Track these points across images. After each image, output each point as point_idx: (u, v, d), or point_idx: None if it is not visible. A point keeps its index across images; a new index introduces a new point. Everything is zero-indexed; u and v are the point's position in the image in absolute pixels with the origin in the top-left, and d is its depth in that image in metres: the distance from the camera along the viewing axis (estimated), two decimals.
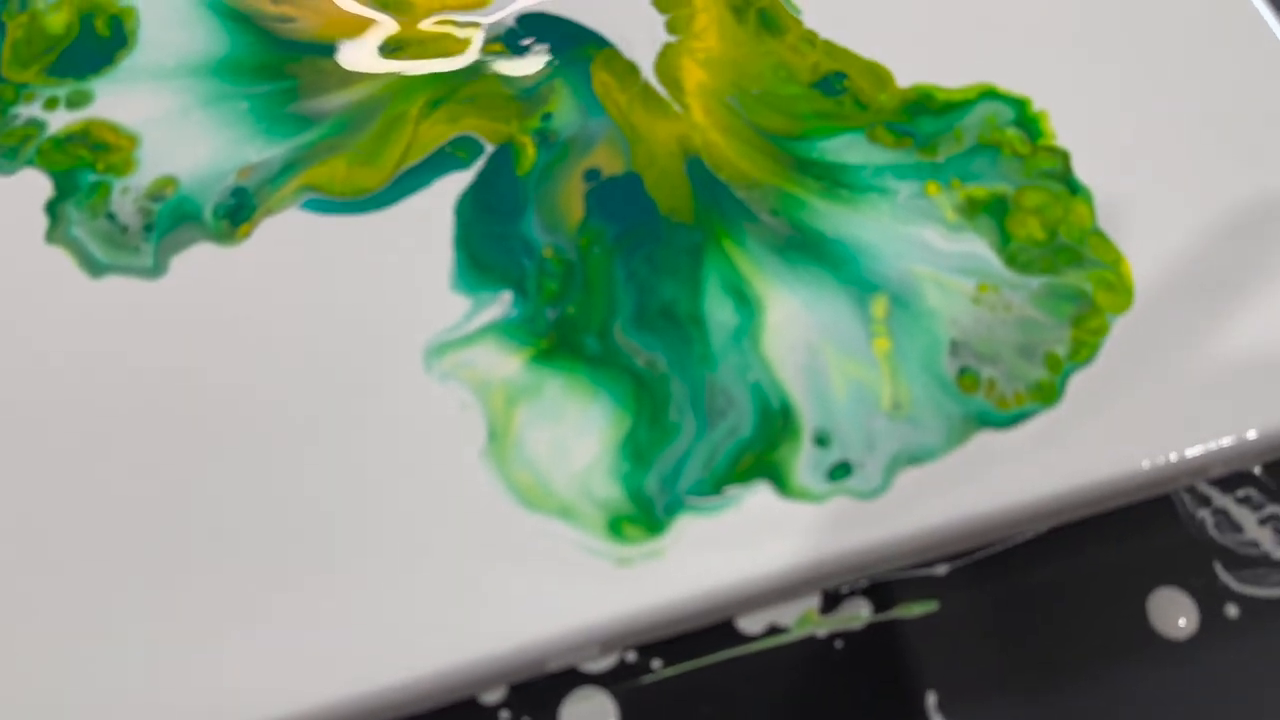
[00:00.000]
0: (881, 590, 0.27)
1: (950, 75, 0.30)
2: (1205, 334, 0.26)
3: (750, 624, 0.27)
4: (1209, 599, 0.27)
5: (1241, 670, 0.26)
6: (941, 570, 0.27)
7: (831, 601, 0.27)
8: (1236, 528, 0.28)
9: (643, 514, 0.24)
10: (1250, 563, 0.27)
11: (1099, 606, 0.27)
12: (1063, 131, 0.29)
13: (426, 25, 0.31)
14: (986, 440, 0.25)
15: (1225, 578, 0.27)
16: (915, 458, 0.25)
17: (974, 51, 0.30)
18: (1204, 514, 0.28)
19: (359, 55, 0.30)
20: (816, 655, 0.26)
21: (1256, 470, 0.29)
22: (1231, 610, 0.27)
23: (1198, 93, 0.29)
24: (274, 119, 0.29)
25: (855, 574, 0.26)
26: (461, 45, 0.30)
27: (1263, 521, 0.28)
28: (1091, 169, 0.28)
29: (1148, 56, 0.30)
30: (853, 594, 0.27)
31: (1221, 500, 0.28)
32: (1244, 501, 0.28)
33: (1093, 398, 0.25)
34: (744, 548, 0.24)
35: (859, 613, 0.27)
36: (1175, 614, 0.27)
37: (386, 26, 0.31)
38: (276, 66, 0.30)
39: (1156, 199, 0.28)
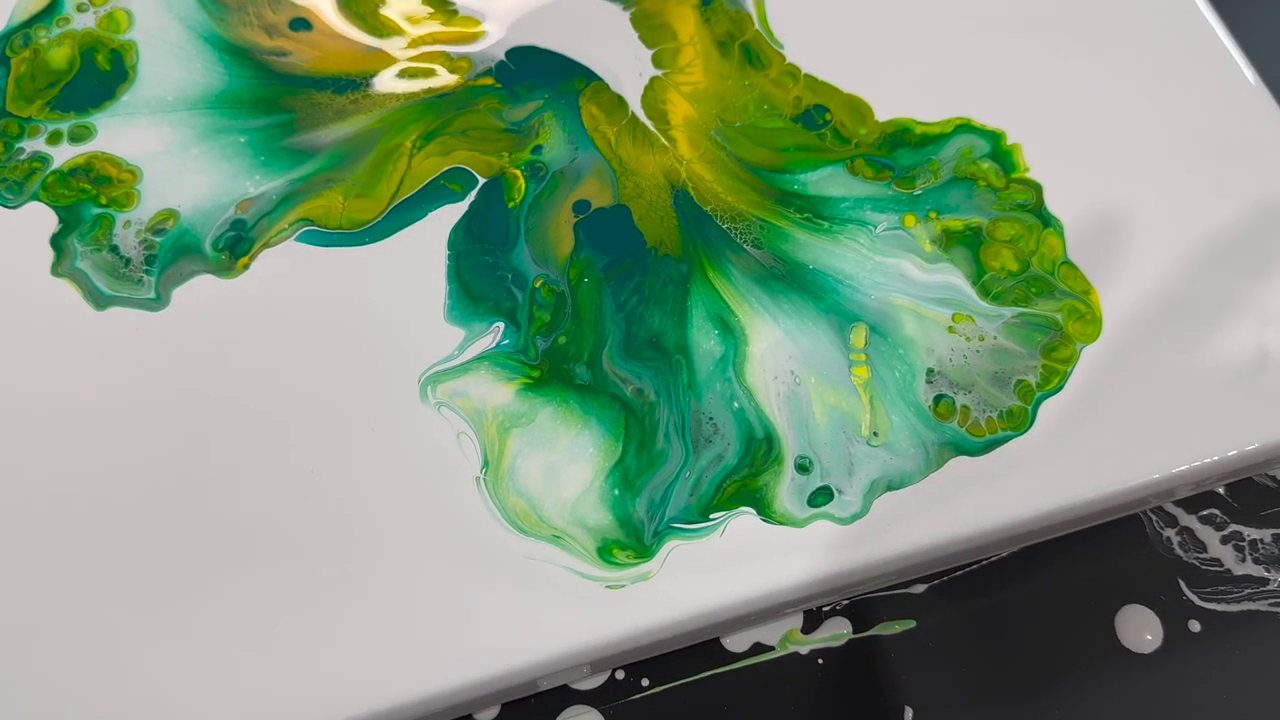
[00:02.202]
0: (861, 609, 0.28)
1: (928, 108, 0.31)
2: (1171, 363, 0.27)
3: (735, 643, 0.28)
4: (1174, 615, 0.28)
5: (1203, 682, 0.27)
6: (919, 589, 0.28)
7: (813, 620, 0.28)
8: (1200, 546, 0.29)
9: (632, 539, 0.25)
10: (1212, 580, 0.28)
11: (1070, 622, 0.28)
12: (1036, 164, 0.30)
13: (419, 59, 0.31)
14: (961, 466, 0.26)
15: (1189, 594, 0.28)
16: (893, 483, 0.26)
17: (951, 85, 0.31)
18: (1170, 533, 0.29)
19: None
20: (799, 672, 0.27)
21: (1220, 490, 0.30)
22: (1194, 625, 0.28)
23: (1166, 126, 0.30)
24: (271, 152, 0.30)
25: (836, 595, 0.27)
26: (454, 79, 0.31)
27: (1224, 540, 0.29)
28: (1063, 201, 0.29)
29: (1118, 91, 0.31)
30: (834, 613, 0.28)
31: (1186, 519, 0.29)
32: (1207, 521, 0.29)
33: (1062, 425, 0.27)
34: (729, 571, 0.25)
35: (840, 631, 0.28)
36: (1142, 629, 0.28)
37: (380, 59, 0.31)
38: (273, 100, 0.31)
39: (1126, 230, 0.29)
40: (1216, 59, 0.32)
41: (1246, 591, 0.28)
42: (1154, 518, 0.29)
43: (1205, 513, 0.29)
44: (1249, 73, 0.32)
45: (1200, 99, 0.31)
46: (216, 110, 0.31)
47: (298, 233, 0.29)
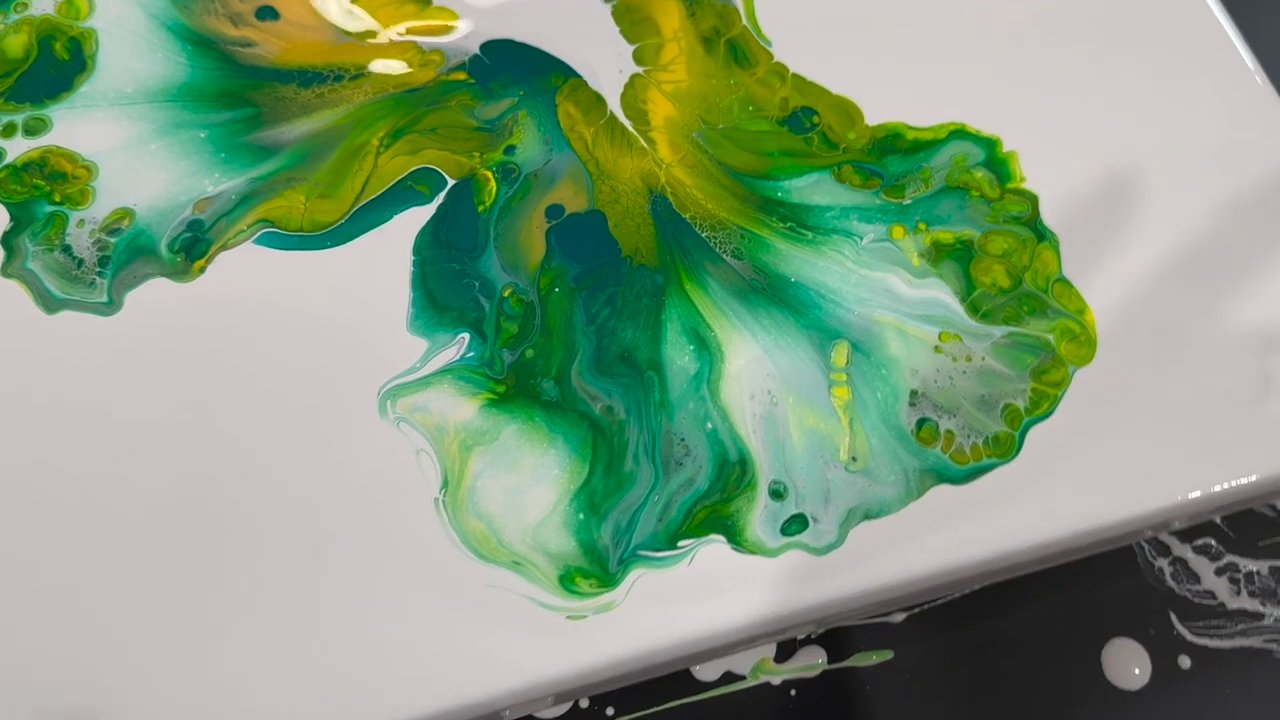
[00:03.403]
0: (837, 638, 0.27)
1: (921, 113, 0.29)
2: (1167, 389, 0.26)
3: (705, 671, 0.27)
4: (1163, 649, 0.27)
5: None
6: (898, 618, 0.27)
7: (787, 649, 0.27)
8: (1194, 578, 0.28)
9: (595, 567, 0.24)
10: (1205, 613, 0.27)
11: (1055, 655, 0.27)
12: (1033, 174, 0.28)
13: (390, 51, 0.30)
14: (942, 495, 0.25)
15: (1180, 628, 0.27)
16: (871, 512, 0.25)
17: (946, 88, 0.30)
18: (1163, 563, 0.28)
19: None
20: (771, 704, 0.26)
21: (1217, 519, 0.28)
22: (1184, 661, 0.27)
23: (1172, 137, 0.29)
24: (232, 149, 0.29)
25: (807, 628, 0.26)
26: (425, 73, 0.30)
27: (1219, 571, 0.28)
28: (1060, 214, 0.28)
29: (1122, 98, 0.29)
30: (808, 641, 0.27)
31: (1180, 549, 0.28)
32: (1202, 551, 0.28)
33: (1051, 453, 0.25)
34: (695, 603, 0.24)
35: (815, 661, 0.27)
36: (1130, 664, 0.27)
37: (349, 51, 0.30)
38: (236, 93, 0.29)
39: (1125, 246, 0.28)
40: (1229, 65, 0.30)
41: (1240, 627, 0.27)
42: (1146, 547, 0.28)
43: (1200, 543, 0.28)
44: (1261, 79, 0.30)
45: (1209, 109, 0.29)
46: (177, 103, 0.29)
47: (257, 234, 0.27)
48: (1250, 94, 0.30)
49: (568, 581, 0.24)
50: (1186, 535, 0.28)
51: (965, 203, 0.28)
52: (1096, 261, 0.27)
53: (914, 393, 0.26)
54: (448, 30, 0.30)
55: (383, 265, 0.27)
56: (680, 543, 0.24)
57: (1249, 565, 0.28)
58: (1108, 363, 0.26)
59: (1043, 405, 0.26)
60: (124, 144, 0.29)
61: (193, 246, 0.27)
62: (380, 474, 0.25)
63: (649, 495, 0.25)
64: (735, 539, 0.24)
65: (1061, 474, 0.25)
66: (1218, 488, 0.25)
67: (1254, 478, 0.25)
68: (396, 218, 0.28)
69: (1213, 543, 0.28)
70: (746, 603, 0.24)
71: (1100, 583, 0.28)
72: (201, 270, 0.27)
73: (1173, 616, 0.27)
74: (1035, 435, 0.25)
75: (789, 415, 0.26)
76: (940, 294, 0.27)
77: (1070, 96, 0.29)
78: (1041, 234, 0.28)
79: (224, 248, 0.27)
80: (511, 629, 0.23)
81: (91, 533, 0.24)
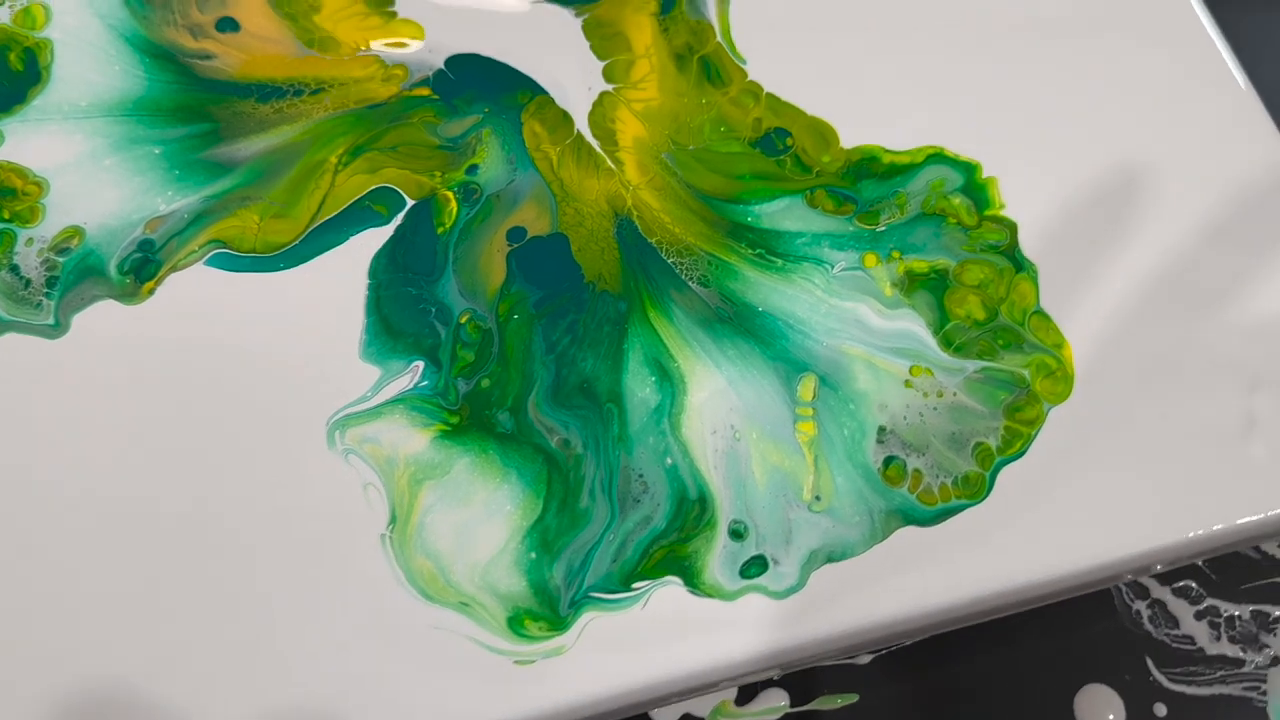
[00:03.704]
0: (801, 679, 0.26)
1: (899, 135, 0.28)
2: (1147, 428, 0.25)
3: (663, 715, 0.26)
4: (1138, 696, 0.26)
5: None
6: (864, 659, 0.26)
7: (749, 691, 0.26)
8: (1172, 621, 0.27)
9: (546, 609, 0.23)
10: (1183, 659, 0.26)
11: (1027, 700, 0.26)
12: (1013, 201, 0.27)
13: (352, 65, 0.29)
14: (908, 537, 0.24)
15: (1157, 674, 0.26)
16: (834, 554, 0.24)
17: (925, 110, 0.29)
18: (1140, 606, 0.27)
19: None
20: None
21: (1198, 560, 0.27)
22: (1160, 709, 0.26)
23: (1161, 165, 0.28)
24: (187, 165, 0.28)
25: (766, 673, 0.25)
26: (388, 88, 0.29)
27: (1199, 615, 0.27)
28: (1039, 243, 0.27)
29: (1110, 124, 0.28)
30: (771, 684, 0.26)
31: (1159, 592, 0.27)
32: (1181, 594, 0.27)
33: (1022, 495, 0.24)
34: (649, 648, 0.23)
35: (777, 704, 0.26)
36: (1103, 711, 0.26)
37: (310, 64, 0.29)
38: (193, 108, 0.29)
39: (1107, 278, 0.27)
40: (1221, 90, 0.29)
41: (1219, 673, 0.26)
42: (1123, 589, 0.27)
43: (1180, 585, 0.27)
44: (1254, 102, 0.29)
45: (1199, 136, 0.28)
46: (133, 118, 0.28)
47: (208, 255, 0.27)
48: (1243, 119, 0.29)
49: (516, 624, 0.23)
50: (1166, 577, 0.27)
51: (941, 230, 0.27)
52: (1076, 293, 0.26)
53: (882, 429, 0.25)
54: (413, 44, 0.30)
55: (336, 289, 0.26)
56: (635, 584, 0.23)
57: (1230, 609, 0.27)
58: (1084, 400, 0.25)
59: (1015, 444, 0.25)
60: (77, 159, 0.28)
61: (142, 268, 0.26)
62: (326, 508, 0.24)
63: (604, 534, 0.24)
64: (692, 581, 0.24)
65: (1033, 517, 0.24)
66: (1198, 533, 0.24)
67: (1236, 522, 0.24)
68: (353, 239, 0.27)
69: (1193, 585, 0.27)
70: (701, 649, 0.23)
71: (1075, 625, 0.27)
72: (150, 292, 0.26)
73: (1149, 662, 0.26)
74: (1007, 475, 0.25)
75: (752, 451, 0.25)
76: (912, 326, 0.26)
77: (1054, 121, 0.28)
78: (1020, 264, 0.27)
79: (174, 269, 0.26)
80: (456, 674, 0.23)
81: (26, 561, 0.23)
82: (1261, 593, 0.27)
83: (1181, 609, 0.27)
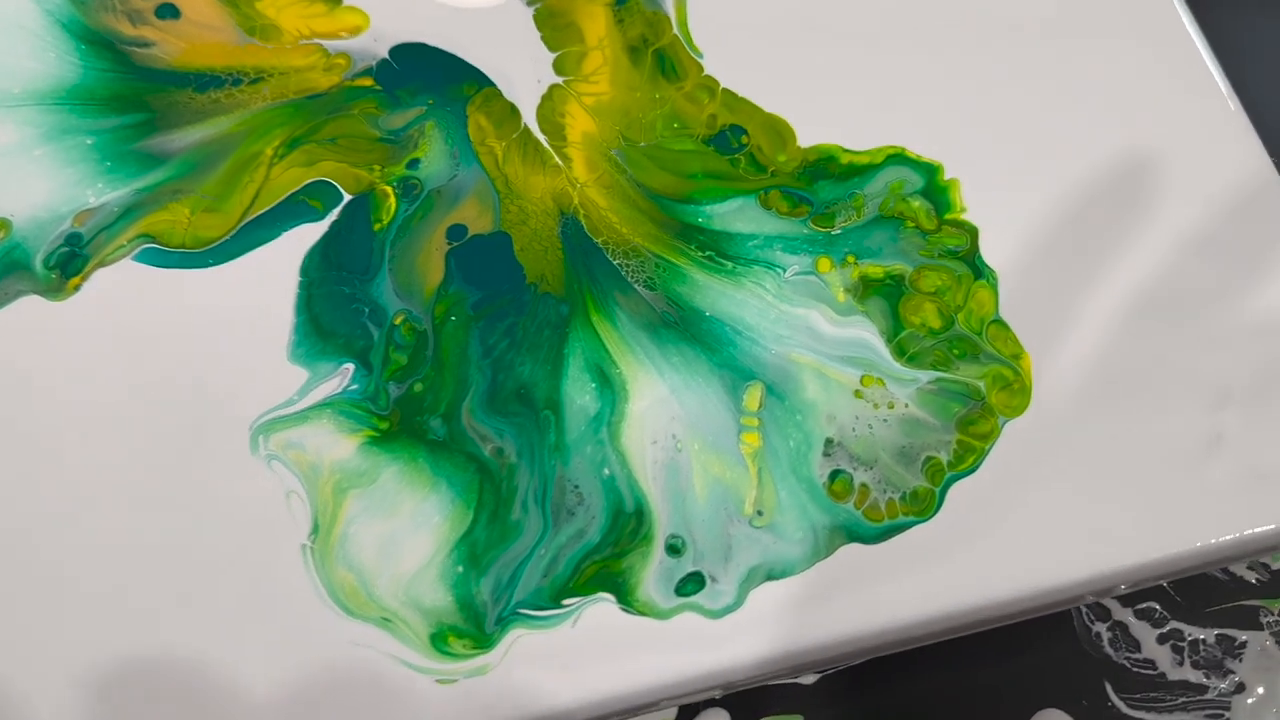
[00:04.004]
0: (743, 698, 0.25)
1: (859, 134, 0.27)
2: (1107, 445, 0.24)
3: None
4: None
5: None
6: (810, 679, 0.25)
7: (690, 710, 0.25)
8: (1133, 644, 0.26)
9: (471, 626, 0.22)
10: (1144, 684, 0.25)
11: None
12: (975, 204, 0.26)
13: (294, 54, 0.28)
14: (852, 555, 0.23)
15: (1115, 700, 0.25)
16: (774, 572, 0.23)
17: (887, 108, 0.27)
18: (1101, 628, 0.26)
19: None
20: None
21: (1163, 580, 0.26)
22: None
23: (1133, 168, 0.27)
24: (119, 157, 0.27)
25: (701, 695, 0.24)
26: (329, 77, 0.28)
27: (1162, 639, 0.26)
28: (1001, 248, 0.26)
29: (1081, 125, 0.27)
30: (712, 703, 0.25)
31: (1121, 613, 0.26)
32: (1144, 615, 0.26)
33: (973, 512, 0.23)
34: (578, 668, 0.22)
35: None
36: None
37: (251, 53, 0.28)
38: (129, 97, 0.28)
39: (1070, 286, 0.25)
40: (1200, 96, 0.28)
41: (1180, 699, 0.25)
42: (1083, 610, 0.26)
43: (1143, 606, 0.26)
44: (1233, 109, 0.28)
45: (1173, 144, 0.27)
46: (66, 106, 0.27)
47: (137, 250, 0.26)
48: (1219, 124, 0.27)
49: (440, 641, 0.22)
50: (1128, 598, 0.26)
51: (899, 234, 0.26)
52: (1037, 302, 0.25)
53: (829, 441, 0.24)
54: (357, 31, 0.28)
55: (266, 287, 0.25)
56: (565, 601, 0.23)
57: (1195, 633, 0.26)
58: (1042, 414, 0.24)
59: (968, 459, 0.24)
60: (6, 149, 0.27)
61: (69, 262, 0.25)
62: (246, 515, 0.23)
63: (535, 547, 0.23)
64: (625, 598, 0.23)
65: (984, 536, 0.23)
66: (1158, 556, 0.23)
67: (1199, 545, 0.23)
68: (285, 235, 0.26)
69: (1157, 607, 0.26)
70: (632, 670, 0.22)
71: (1030, 646, 0.26)
72: (76, 288, 0.25)
73: (1108, 686, 0.25)
74: (957, 492, 0.23)
75: (693, 463, 0.24)
76: (865, 334, 0.25)
77: (1020, 123, 0.27)
78: (979, 270, 0.26)
79: (101, 264, 0.25)
80: (376, 692, 0.22)
81: None
82: (1228, 616, 0.26)
83: (1144, 632, 0.26)
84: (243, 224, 0.26)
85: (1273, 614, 0.26)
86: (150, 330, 0.25)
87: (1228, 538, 0.23)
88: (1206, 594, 0.26)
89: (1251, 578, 0.26)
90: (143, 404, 0.24)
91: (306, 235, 0.26)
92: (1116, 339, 0.25)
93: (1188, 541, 0.23)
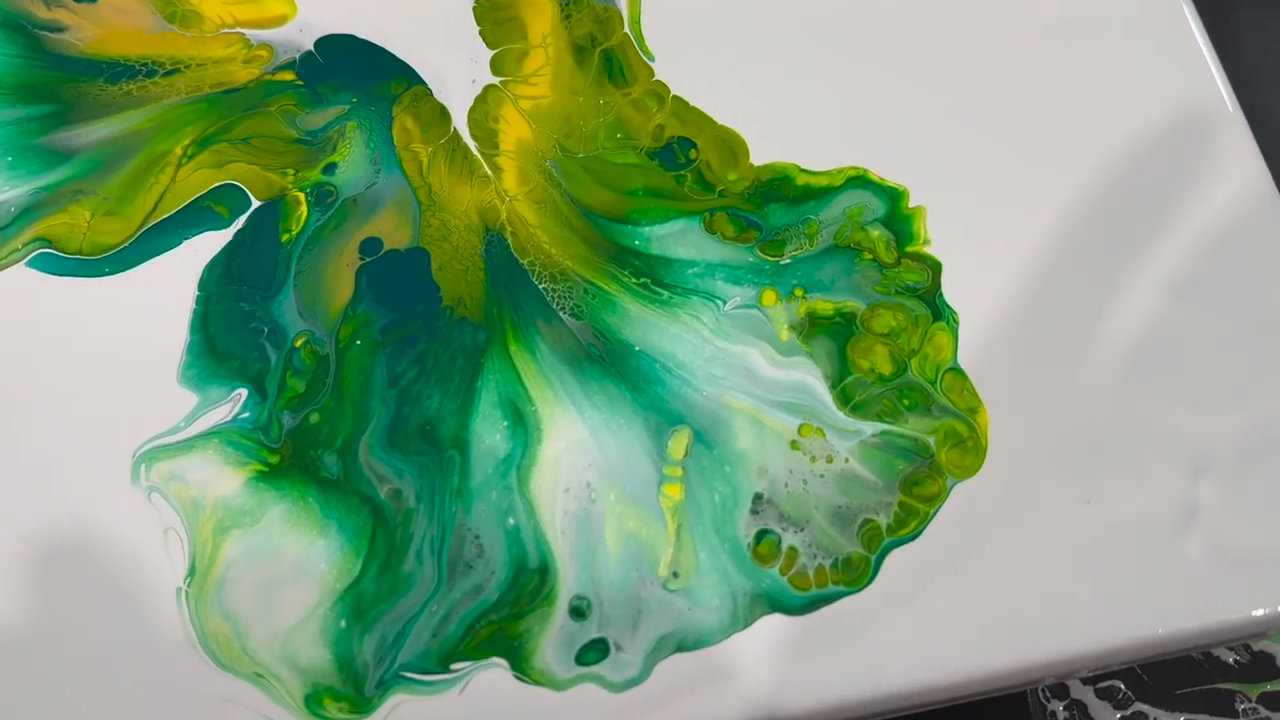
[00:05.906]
0: None
1: (819, 153, 0.25)
2: (1068, 511, 0.22)
3: None
4: None
5: None
6: None
7: None
8: None
9: (349, 688, 0.20)
10: None
11: None
12: (939, 236, 0.24)
13: (213, 44, 0.26)
14: (773, 626, 0.21)
15: None
16: (686, 642, 0.21)
17: (851, 124, 0.25)
18: (1057, 707, 0.24)
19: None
20: None
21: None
22: None
23: (1110, 205, 0.24)
24: (21, 151, 0.25)
25: None
26: (248, 71, 0.26)
27: None
28: (964, 287, 0.23)
29: (1053, 156, 0.25)
30: None
31: (1080, 692, 0.24)
32: (1106, 695, 0.24)
33: (911, 584, 0.21)
34: None
35: None
36: None
37: (168, 42, 0.26)
38: (37, 87, 0.26)
39: (1036, 333, 0.23)
40: (1201, 105, 0.25)
41: None
42: (1039, 686, 0.24)
43: (1105, 685, 0.24)
44: (1240, 125, 0.25)
45: (1162, 170, 0.24)
46: None
47: (31, 255, 0.24)
48: (1221, 138, 0.25)
49: (314, 703, 0.20)
50: (1090, 676, 0.24)
51: (854, 267, 0.24)
52: (1001, 349, 0.23)
53: (759, 497, 0.22)
54: (282, 21, 0.26)
55: (161, 301, 0.23)
56: (454, 665, 0.21)
57: (1162, 717, 0.23)
58: (996, 476, 0.22)
59: (910, 524, 0.21)
60: None
61: None
62: (121, 552, 0.21)
63: (426, 603, 0.21)
64: (520, 665, 0.21)
65: (921, 611, 0.21)
66: (1120, 641, 0.21)
67: (1160, 632, 0.21)
68: (186, 243, 0.24)
69: (1121, 686, 0.24)
70: None
71: None
72: None
73: None
74: (895, 560, 0.21)
75: (607, 515, 0.22)
76: (807, 377, 0.23)
77: (995, 146, 0.25)
78: (939, 311, 0.23)
79: None
80: None
81: None
82: (1200, 700, 0.23)
83: (1104, 713, 0.23)
84: (143, 230, 0.24)
85: (1250, 701, 0.23)
86: (36, 344, 0.23)
87: (1196, 625, 0.21)
88: (1178, 674, 0.24)
89: (1229, 658, 0.24)
90: (22, 422, 0.22)
91: (209, 244, 0.24)
92: (1087, 395, 0.22)
93: (1152, 627, 0.21)
